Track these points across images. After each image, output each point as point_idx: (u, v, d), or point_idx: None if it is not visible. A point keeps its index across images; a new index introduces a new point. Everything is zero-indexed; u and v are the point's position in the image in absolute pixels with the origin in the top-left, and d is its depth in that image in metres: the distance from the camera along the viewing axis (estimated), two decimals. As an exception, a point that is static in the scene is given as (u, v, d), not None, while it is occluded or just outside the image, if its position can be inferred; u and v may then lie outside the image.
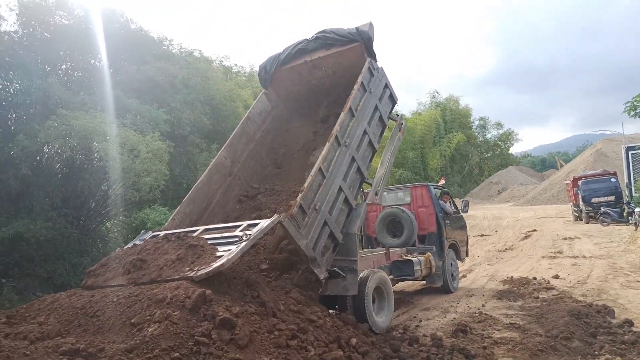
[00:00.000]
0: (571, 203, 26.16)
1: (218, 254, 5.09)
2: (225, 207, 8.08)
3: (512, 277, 10.98)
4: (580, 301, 8.10)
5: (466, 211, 11.43)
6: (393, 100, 8.78)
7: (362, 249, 9.62)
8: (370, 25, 8.39)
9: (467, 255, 11.73)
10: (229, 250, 5.04)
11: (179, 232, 5.99)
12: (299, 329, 4.91)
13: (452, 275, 10.21)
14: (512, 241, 18.94)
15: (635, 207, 18.32)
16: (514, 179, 54.79)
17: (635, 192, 23.17)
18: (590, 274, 10.84)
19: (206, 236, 5.68)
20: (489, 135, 63.04)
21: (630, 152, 26.15)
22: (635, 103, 17.44)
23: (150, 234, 6.64)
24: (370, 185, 8.02)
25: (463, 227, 11.47)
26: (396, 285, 9.64)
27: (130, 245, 6.27)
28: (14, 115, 13.51)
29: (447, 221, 10.43)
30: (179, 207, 7.38)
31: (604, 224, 20.85)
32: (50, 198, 13.29)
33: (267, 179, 8.70)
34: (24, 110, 13.22)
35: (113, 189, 14.51)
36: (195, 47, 24.29)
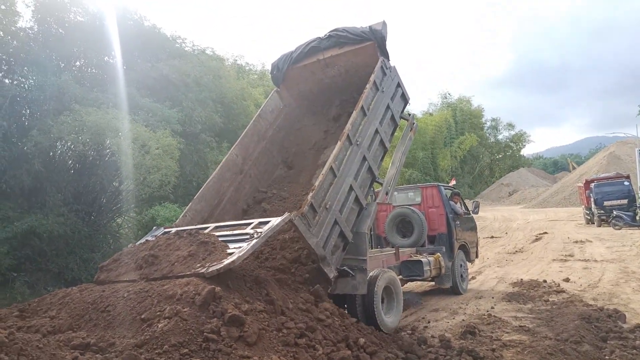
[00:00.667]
0: (583, 206, 25.91)
1: (229, 251, 5.13)
2: (236, 205, 8.11)
3: (522, 279, 10.90)
4: (591, 305, 8.03)
5: (477, 212, 11.37)
6: (405, 99, 8.76)
7: (372, 248, 9.62)
8: (384, 24, 8.36)
9: (477, 256, 11.64)
10: (240, 247, 5.07)
11: (191, 229, 6.03)
12: (308, 327, 4.92)
13: (461, 276, 10.15)
14: (523, 243, 18.80)
15: (648, 211, 18.12)
16: (525, 180, 54.38)
17: (649, 196, 22.90)
18: (602, 277, 10.73)
19: (217, 233, 5.72)
20: (500, 137, 62.68)
21: (644, 155, 25.81)
22: (649, 105, 17.18)
23: (162, 230, 6.69)
24: (381, 184, 8.01)
25: (473, 228, 11.39)
26: (405, 285, 9.63)
27: (142, 241, 6.32)
28: (28, 111, 13.68)
29: (458, 222, 10.36)
30: (190, 204, 7.42)
31: (616, 227, 20.62)
32: (62, 194, 13.44)
33: (276, 182, 8.70)
34: (38, 106, 13.38)
35: (125, 185, 14.64)
36: (207, 45, 24.45)
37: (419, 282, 10.98)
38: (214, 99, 17.68)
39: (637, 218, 20.14)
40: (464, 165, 53.51)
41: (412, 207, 9.86)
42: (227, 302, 4.45)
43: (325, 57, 8.88)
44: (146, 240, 6.25)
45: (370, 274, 6.96)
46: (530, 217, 29.61)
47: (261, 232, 5.27)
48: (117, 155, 12.45)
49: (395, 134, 8.79)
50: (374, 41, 8.29)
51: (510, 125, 62.25)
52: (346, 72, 9.01)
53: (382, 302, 7.02)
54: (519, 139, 62.70)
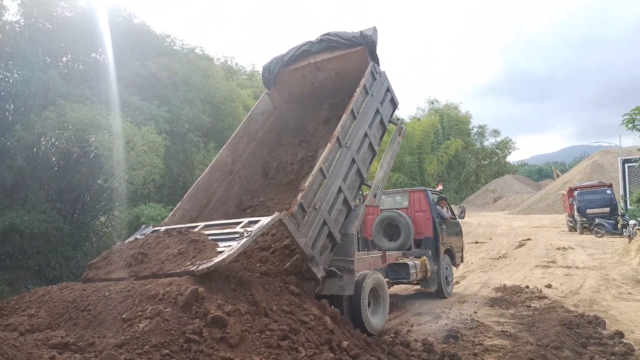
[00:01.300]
0: (566, 213, 26.24)
1: (219, 249, 5.12)
2: (225, 205, 8.14)
3: (505, 285, 11.00)
4: (572, 311, 8.12)
5: (462, 217, 11.53)
6: (394, 104, 8.86)
7: (359, 251, 9.67)
8: (374, 29, 8.45)
9: (462, 261, 11.80)
10: (230, 246, 5.07)
11: (180, 228, 6.04)
12: (291, 329, 4.90)
13: (446, 279, 10.28)
14: (506, 249, 18.98)
15: (629, 220, 18.39)
16: (510, 187, 54.97)
17: (630, 205, 23.25)
18: (583, 284, 10.87)
19: (207, 232, 5.71)
20: (486, 143, 63.34)
21: (626, 165, 26.26)
22: (633, 116, 17.48)
23: (150, 228, 6.67)
24: (369, 187, 8.09)
25: (459, 233, 11.55)
26: (390, 288, 9.68)
27: (131, 239, 6.31)
28: (12, 106, 13.47)
29: (444, 226, 10.49)
30: (179, 203, 7.43)
31: (598, 235, 20.92)
32: (45, 190, 13.24)
33: (261, 189, 8.70)
34: (23, 101, 13.18)
35: (109, 183, 14.46)
36: (197, 44, 24.24)
37: (403, 286, 11.04)
38: (202, 99, 17.56)
39: (619, 226, 20.44)
40: (450, 170, 53.91)
41: (399, 211, 9.94)
42: (210, 303, 4.40)
43: (317, 61, 8.94)
44: (135, 238, 6.23)
45: (358, 275, 7.01)
46: (514, 223, 29.91)
47: (251, 231, 5.27)
48: (102, 152, 12.25)
49: (384, 138, 8.86)
50: (364, 46, 8.37)
51: (496, 132, 63.02)
52: (337, 75, 9.08)
53: (369, 303, 7.07)
54: (505, 146, 63.42)
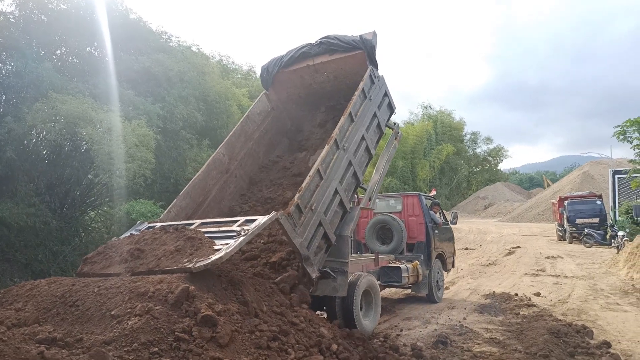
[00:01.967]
0: (556, 222, 26.43)
1: (215, 247, 5.11)
2: (221, 204, 8.17)
3: (494, 292, 11.03)
4: (560, 320, 8.15)
5: (455, 223, 11.60)
6: (391, 108, 8.92)
7: (351, 253, 9.70)
8: (374, 34, 8.53)
9: (453, 266, 11.88)
10: (227, 244, 5.07)
11: (177, 224, 6.04)
12: (281, 331, 4.88)
13: (437, 284, 10.33)
14: (496, 256, 19.05)
15: (618, 231, 18.54)
16: (500, 195, 55.29)
17: (619, 216, 23.47)
18: (571, 293, 10.92)
19: (203, 229, 5.71)
20: (478, 150, 63.69)
21: (617, 176, 26.52)
22: (625, 128, 17.67)
23: (146, 224, 6.66)
24: (365, 190, 8.13)
25: (451, 238, 11.64)
26: (381, 292, 9.70)
27: (126, 234, 6.31)
28: (4, 97, 13.33)
29: (436, 232, 10.54)
30: (175, 200, 7.45)
31: (587, 245, 21.09)
32: (34, 184, 13.11)
33: (248, 196, 8.68)
34: (15, 93, 13.04)
35: (100, 178, 14.33)
36: (193, 42, 24.03)
37: (393, 290, 11.05)
38: (196, 97, 17.46)
39: (607, 237, 20.62)
40: (442, 176, 54.14)
41: (392, 215, 9.98)
42: (201, 302, 4.37)
43: (315, 63, 8.98)
44: (131, 234, 6.22)
45: (351, 277, 7.04)
46: (504, 230, 30.07)
47: (248, 230, 5.29)
48: (93, 147, 12.13)
49: (380, 143, 8.91)
50: (363, 50, 8.43)
51: (489, 140, 63.38)
52: (335, 78, 9.13)
53: (361, 305, 7.10)
54: (497, 154, 63.82)
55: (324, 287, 6.59)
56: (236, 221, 5.74)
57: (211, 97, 18.48)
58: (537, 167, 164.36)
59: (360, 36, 8.47)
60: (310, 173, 6.45)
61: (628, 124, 17.57)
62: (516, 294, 10.57)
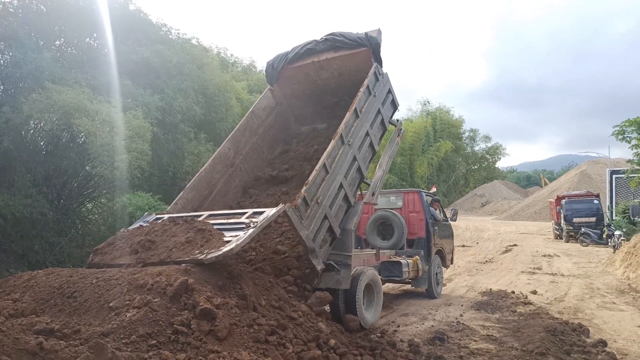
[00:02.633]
0: (553, 221, 26.51)
1: (225, 239, 5.15)
2: (226, 197, 8.27)
3: (491, 289, 11.06)
4: (556, 318, 8.17)
5: (454, 220, 11.70)
6: (395, 105, 8.99)
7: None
8: (379, 31, 8.57)
9: (452, 262, 12.01)
10: (237, 235, 5.11)
11: (186, 216, 6.09)
12: (279, 325, 4.88)
13: (436, 279, 10.43)
14: (493, 254, 19.11)
15: (615, 230, 18.60)
16: (498, 192, 55.39)
17: (616, 216, 23.55)
18: (568, 292, 10.96)
19: (212, 221, 5.75)
20: (477, 148, 63.68)
21: (614, 176, 26.61)
22: (623, 127, 17.72)
23: (154, 216, 6.70)
24: (369, 185, 8.19)
25: (450, 235, 11.76)
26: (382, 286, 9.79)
27: (135, 225, 6.37)
28: (1, 87, 13.23)
29: (436, 228, 10.66)
30: (182, 192, 7.56)
31: (584, 244, 21.16)
32: (31, 174, 13.04)
33: (248, 195, 8.71)
34: (14, 83, 12.95)
35: (97, 170, 14.26)
36: (193, 35, 23.74)
37: (391, 285, 11.08)
38: (195, 89, 17.36)
39: (604, 236, 20.69)
40: (440, 173, 54.11)
41: (393, 211, 10.03)
42: (199, 295, 4.36)
43: (320, 60, 9.03)
44: (140, 225, 6.26)
45: (354, 270, 7.12)
46: (501, 228, 30.15)
47: (257, 222, 5.32)
48: (90, 138, 12.04)
49: (382, 141, 8.96)
50: (368, 47, 8.47)
51: (487, 138, 63.39)
52: (339, 75, 9.17)
53: (363, 298, 7.20)
54: (495, 152, 63.82)
55: (328, 280, 6.66)
56: (244, 213, 5.79)
57: (210, 90, 18.39)
58: (535, 165, 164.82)
59: (366, 33, 8.52)
60: (317, 167, 6.53)
61: (627, 124, 17.63)
62: (513, 292, 10.60)
